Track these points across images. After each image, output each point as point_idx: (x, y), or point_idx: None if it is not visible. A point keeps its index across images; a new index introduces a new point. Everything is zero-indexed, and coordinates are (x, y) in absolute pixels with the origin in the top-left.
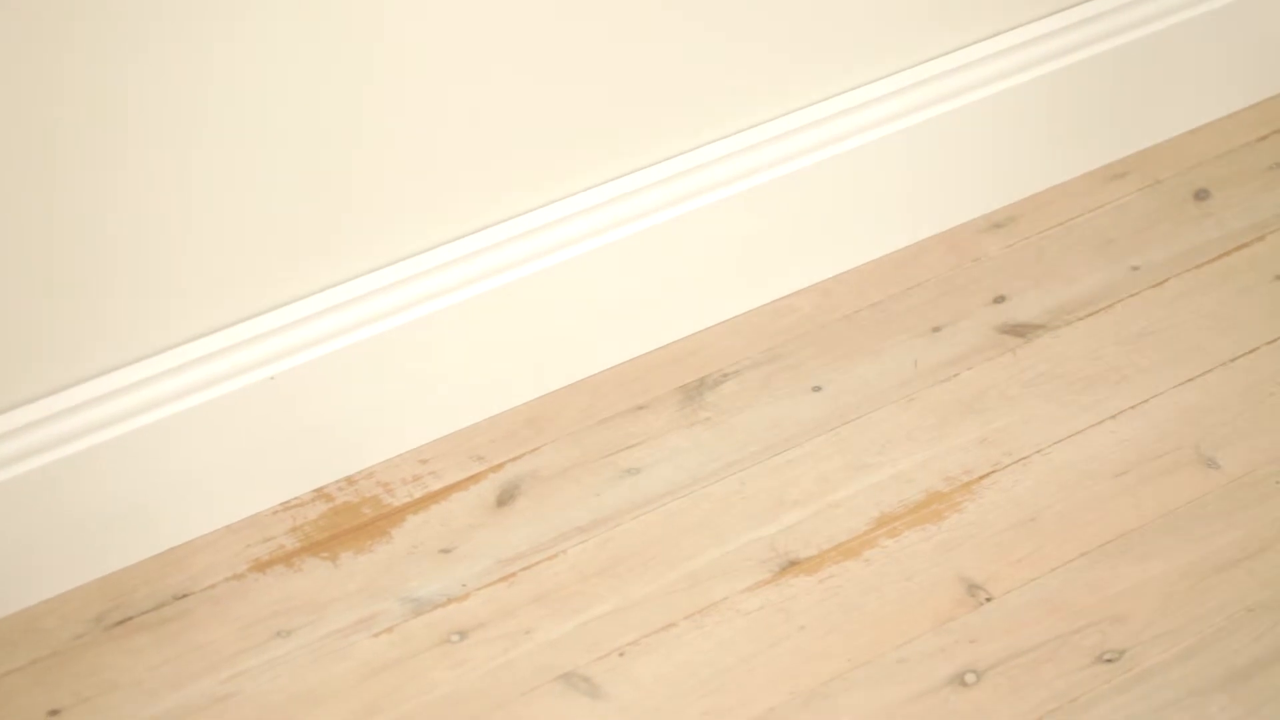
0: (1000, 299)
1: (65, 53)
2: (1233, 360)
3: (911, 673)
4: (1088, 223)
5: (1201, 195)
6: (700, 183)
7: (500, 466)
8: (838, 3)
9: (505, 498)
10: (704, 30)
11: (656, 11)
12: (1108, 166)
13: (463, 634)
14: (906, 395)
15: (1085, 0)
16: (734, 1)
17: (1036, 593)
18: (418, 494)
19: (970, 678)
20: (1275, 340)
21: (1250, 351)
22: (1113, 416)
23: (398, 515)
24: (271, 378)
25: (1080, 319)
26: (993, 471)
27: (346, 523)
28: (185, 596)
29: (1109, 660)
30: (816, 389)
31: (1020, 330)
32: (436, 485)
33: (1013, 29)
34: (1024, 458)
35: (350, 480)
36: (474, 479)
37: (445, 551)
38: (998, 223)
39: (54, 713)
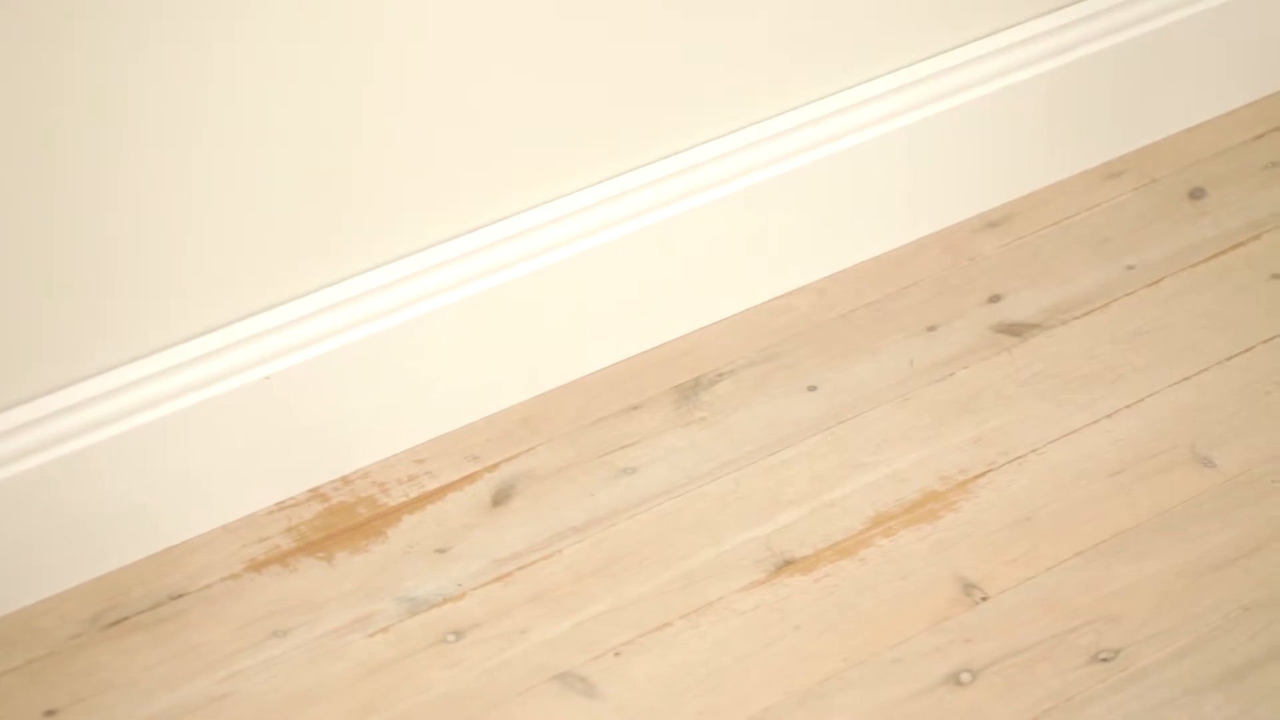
0: (996, 298)
1: (65, 53)
2: (1228, 359)
3: (907, 672)
4: (1083, 222)
5: (1197, 194)
6: (696, 182)
7: (496, 466)
8: (833, 2)
9: (501, 497)
10: (699, 30)
11: (649, 11)
12: (1103, 165)
13: (458, 634)
14: (902, 394)
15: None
16: (725, 4)
17: (1032, 592)
18: (413, 494)
19: (966, 677)
20: (1271, 339)
21: (1246, 350)
22: (1108, 416)
23: (393, 515)
24: (267, 377)
25: (1076, 318)
26: (988, 471)
27: (342, 522)
28: (181, 596)
29: (1104, 659)
30: (812, 388)
31: (1016, 329)
32: (432, 485)
33: (1008, 28)
34: (1019, 457)
35: (346, 480)
36: (469, 479)
37: (441, 551)
38: (993, 222)
39: (50, 713)
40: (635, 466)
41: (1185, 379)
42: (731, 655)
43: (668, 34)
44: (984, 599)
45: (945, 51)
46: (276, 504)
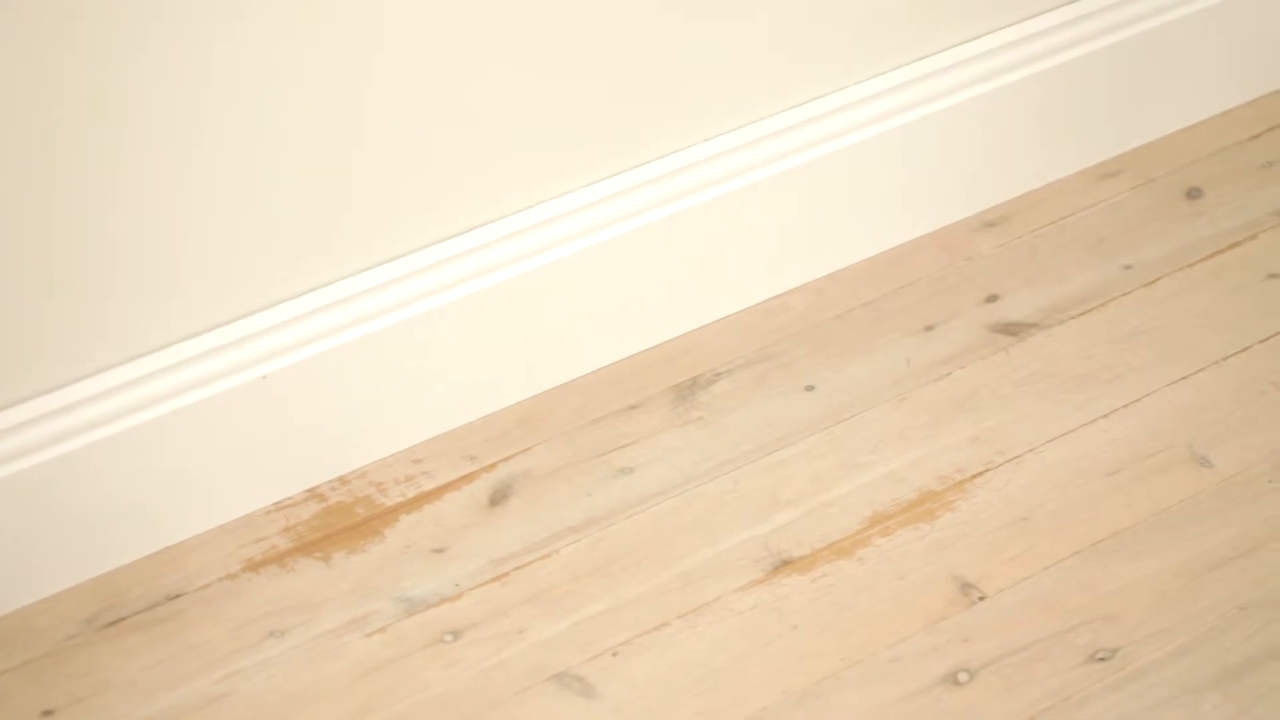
0: (993, 298)
1: (65, 53)
2: (1225, 359)
3: (904, 672)
4: (1080, 221)
5: (1194, 194)
6: (693, 181)
7: (493, 466)
8: (830, 2)
9: (498, 497)
10: (696, 30)
11: (645, 12)
12: (1100, 165)
13: (456, 634)
14: (899, 394)
15: None
16: (721, 3)
17: (1029, 592)
18: (411, 494)
19: (963, 677)
20: (1268, 339)
21: (1243, 350)
22: (1105, 415)
23: (391, 515)
24: (264, 377)
25: (1073, 318)
26: (985, 470)
27: (339, 523)
28: (178, 596)
29: (1102, 659)
30: (809, 388)
31: (1013, 329)
32: (429, 485)
33: (1004, 28)
34: (1016, 456)
35: (343, 480)
36: (467, 479)
37: (438, 551)
38: (990, 221)
39: (48, 713)
40: (633, 466)
41: (1182, 379)
42: (729, 655)
43: (664, 34)
44: (981, 598)
45: (941, 51)
46: (274, 504)
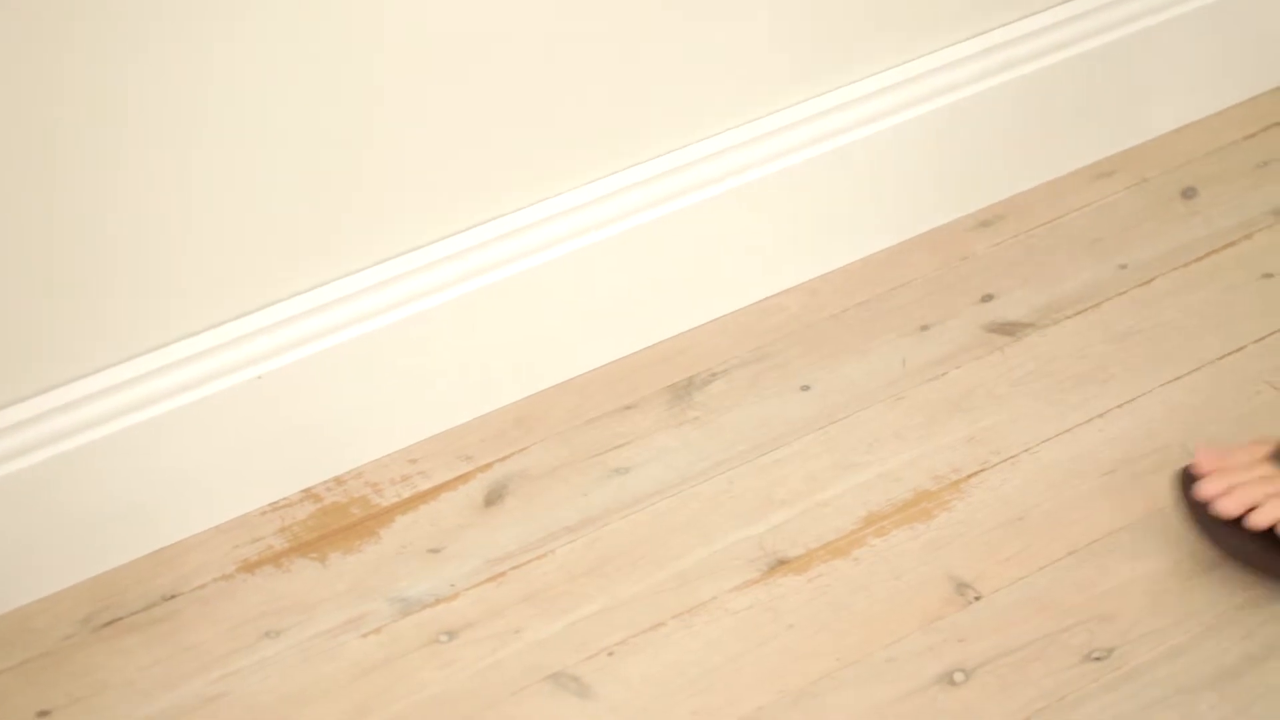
0: (988, 298)
1: (65, 53)
2: (1220, 358)
3: (900, 672)
4: (1075, 221)
5: (1189, 193)
6: (688, 181)
7: (489, 466)
8: (825, 2)
9: (494, 497)
10: (692, 30)
11: (642, 12)
12: (1095, 165)
13: (451, 634)
14: (895, 394)
15: None
16: (717, 3)
17: (1025, 591)
18: (406, 494)
19: (959, 676)
20: (1263, 338)
21: (1238, 350)
22: (1100, 415)
23: (386, 515)
24: (259, 377)
25: (1068, 317)
26: (981, 470)
27: (335, 523)
28: (174, 597)
29: (1097, 659)
30: (804, 388)
31: (1008, 329)
32: (425, 485)
33: (998, 28)
34: (1012, 456)
35: (339, 480)
36: (462, 479)
37: (434, 551)
38: (985, 221)
39: (44, 713)
40: (628, 466)
41: (1177, 378)
42: (725, 655)
43: (661, 34)
44: (977, 598)
45: (935, 51)
46: (270, 504)
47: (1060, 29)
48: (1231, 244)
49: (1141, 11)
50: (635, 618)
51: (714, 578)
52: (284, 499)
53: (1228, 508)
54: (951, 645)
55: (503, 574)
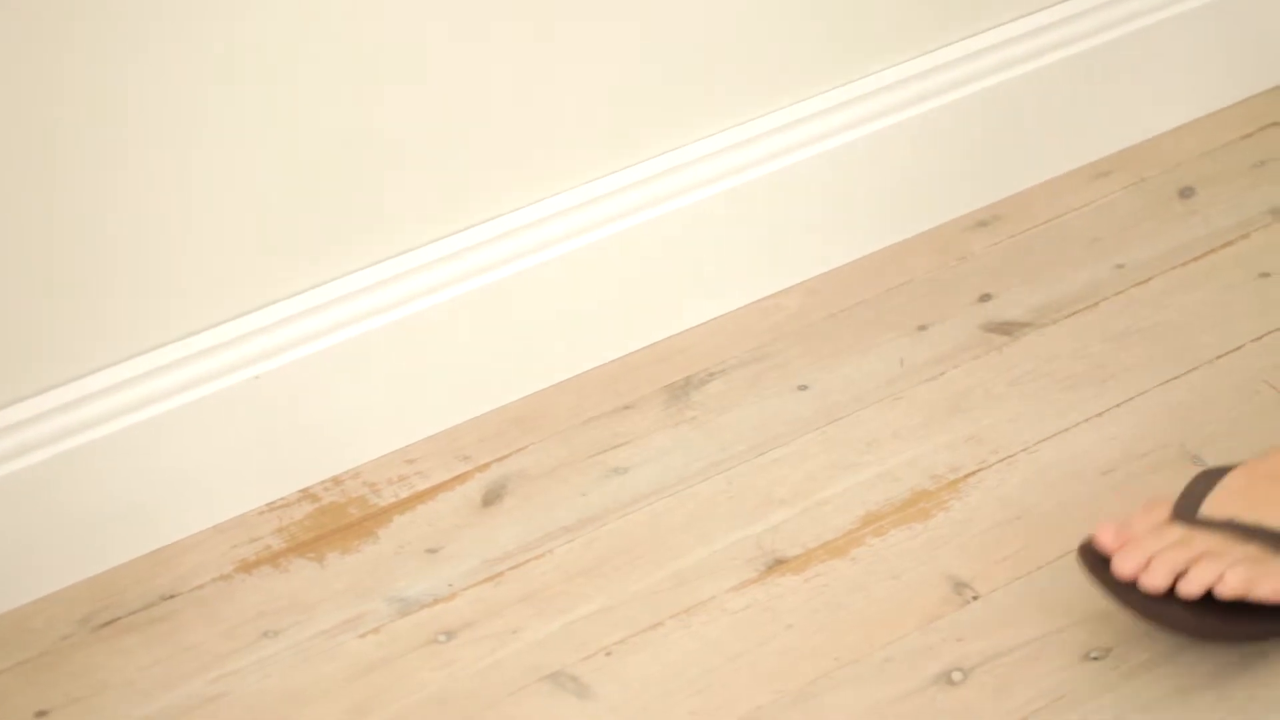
0: (986, 297)
1: (65, 53)
2: (1218, 358)
3: (898, 671)
4: (1073, 221)
5: (1186, 193)
6: (685, 181)
7: (487, 466)
8: (822, 2)
9: (492, 497)
10: (687, 30)
11: (638, 11)
12: (1093, 164)
13: (450, 634)
14: (893, 394)
15: None
16: (715, 2)
17: (1023, 591)
18: (404, 494)
19: (957, 676)
20: (1261, 337)
21: (1236, 349)
22: (1099, 414)
23: (384, 515)
24: (256, 377)
25: (1066, 317)
26: (979, 470)
27: (333, 523)
28: (173, 597)
29: (1096, 658)
30: (803, 388)
31: (1006, 328)
32: (423, 485)
33: (996, 26)
34: (1010, 456)
35: (336, 480)
36: (460, 479)
37: (432, 551)
38: (983, 221)
39: (42, 713)
40: (626, 466)
41: (1175, 378)
42: (723, 655)
43: (651, 34)
44: (975, 598)
45: (934, 50)
46: (267, 504)
47: (1058, 28)
48: (1229, 243)
49: (1139, 11)
50: (633, 617)
51: (712, 577)
52: (282, 499)
53: (1155, 582)
54: (950, 645)
55: (501, 574)
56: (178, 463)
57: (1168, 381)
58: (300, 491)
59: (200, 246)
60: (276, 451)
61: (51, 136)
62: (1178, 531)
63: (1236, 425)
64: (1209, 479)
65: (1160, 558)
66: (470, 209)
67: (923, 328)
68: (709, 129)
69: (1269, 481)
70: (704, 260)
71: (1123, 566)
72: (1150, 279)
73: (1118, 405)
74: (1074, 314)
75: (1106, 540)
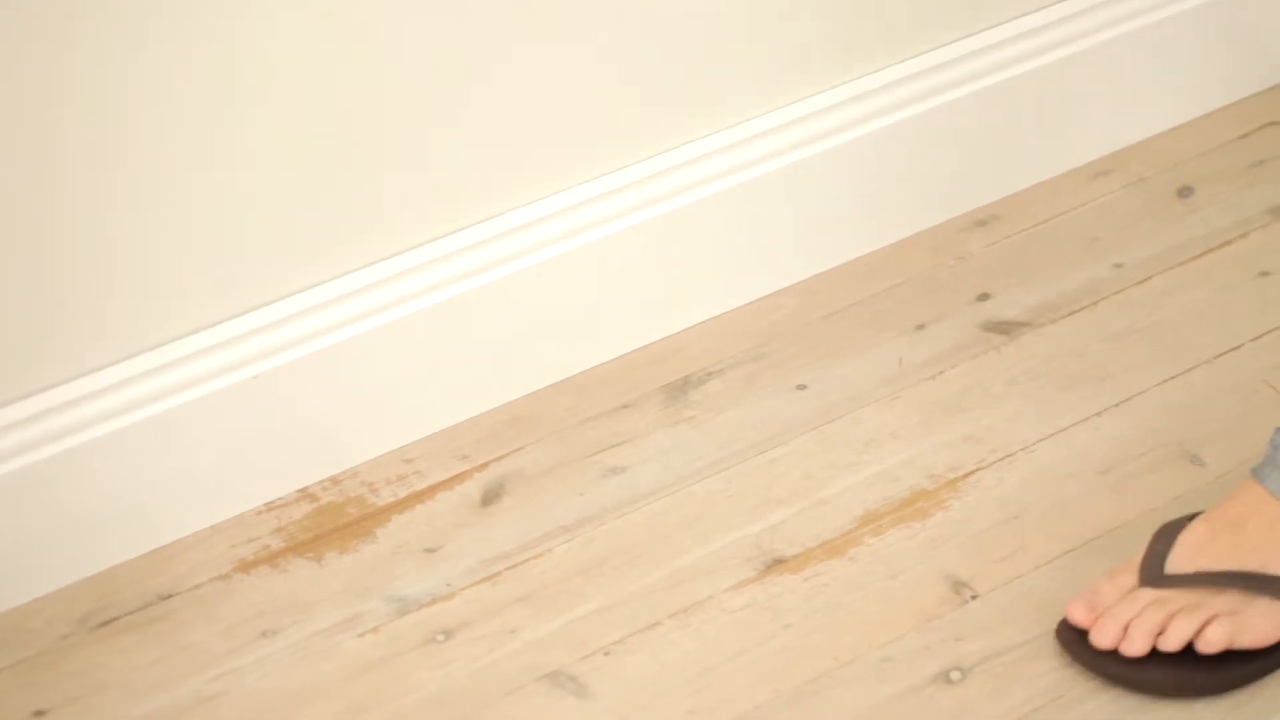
0: (984, 297)
1: (65, 53)
2: (1217, 357)
3: (897, 671)
4: (1071, 220)
5: (1185, 193)
6: (683, 181)
7: (485, 466)
8: (820, 2)
9: (490, 497)
10: (685, 30)
11: (635, 11)
12: (1091, 164)
13: (448, 633)
14: (891, 393)
15: None
16: (714, 2)
17: (1021, 590)
18: (402, 494)
19: (955, 675)
20: (1259, 337)
21: (1234, 348)
22: (1097, 414)
23: (382, 515)
24: (255, 377)
25: (1064, 316)
26: (977, 469)
27: (331, 523)
28: (171, 597)
29: None
30: (801, 387)
31: (1004, 328)
32: (421, 485)
33: (994, 26)
34: (1009, 455)
35: (335, 480)
36: (459, 478)
37: (430, 551)
38: (981, 220)
39: (40, 713)
40: (625, 466)
41: (1174, 377)
42: (721, 654)
43: (649, 34)
44: (974, 597)
45: (932, 50)
46: (265, 504)
47: (1056, 28)
48: (1228, 243)
49: (1137, 10)
50: (632, 617)
51: (710, 577)
52: (280, 499)
53: (1134, 648)
54: (948, 644)
55: (499, 573)
56: (176, 462)
57: (1166, 381)
58: (299, 491)
59: (199, 246)
60: (275, 451)
61: (51, 136)
62: (1149, 594)
63: (1235, 425)
64: (1168, 534)
65: (1136, 623)
66: (468, 209)
67: (921, 327)
68: (706, 129)
69: (1231, 530)
70: (702, 260)
71: (1101, 639)
72: (1149, 278)
73: (1116, 405)
74: (1072, 313)
75: (1079, 616)
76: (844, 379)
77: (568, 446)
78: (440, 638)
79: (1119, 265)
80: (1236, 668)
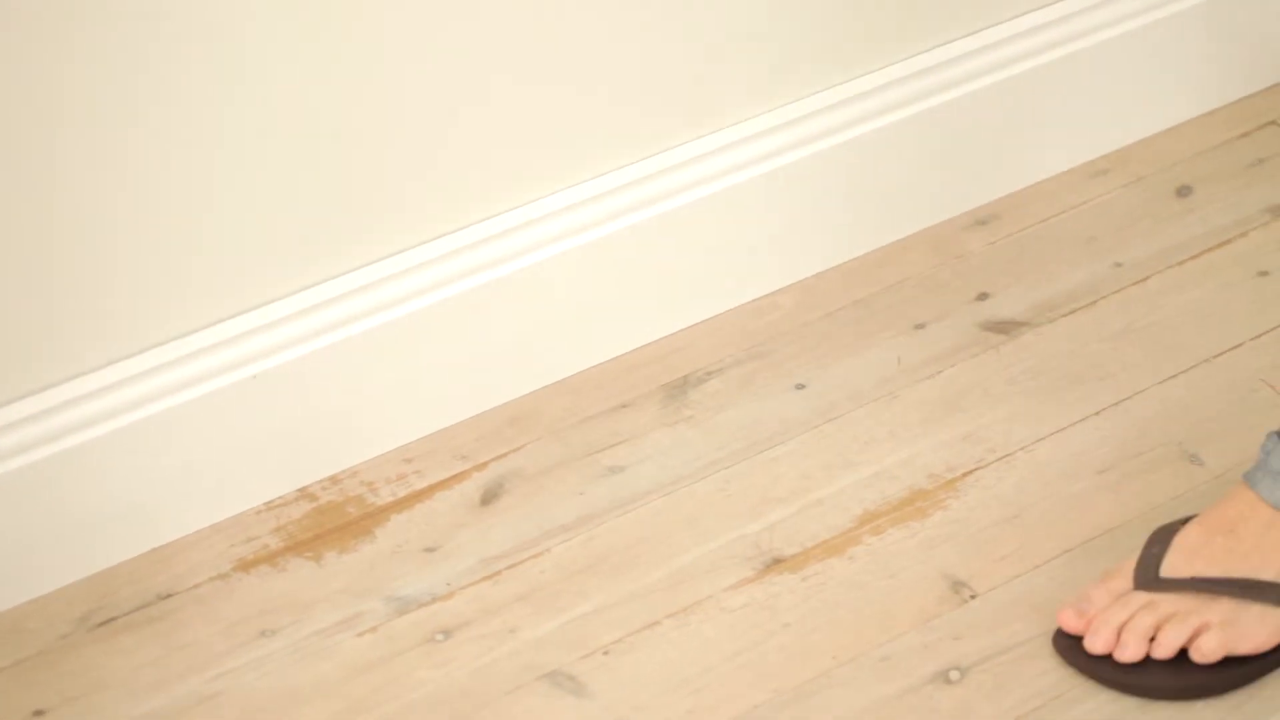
0: (983, 296)
1: (65, 53)
2: (1216, 357)
3: (895, 670)
4: (1070, 219)
5: (1184, 192)
6: (681, 180)
7: (484, 465)
8: (820, 1)
9: (489, 496)
10: (683, 30)
11: (635, 12)
12: (1090, 163)
13: (447, 633)
14: (889, 392)
15: None
16: (713, 2)
17: (1020, 589)
18: (402, 493)
19: (954, 675)
20: (1258, 336)
21: (1233, 348)
22: (1096, 413)
23: (382, 514)
24: (254, 376)
25: (1063, 316)
26: (976, 469)
27: (330, 522)
28: (170, 596)
29: None
30: (799, 387)
31: (1003, 327)
32: (420, 484)
33: (993, 25)
34: (1007, 455)
35: (334, 479)
36: (458, 478)
37: (429, 550)
38: (980, 220)
39: (39, 713)
40: (623, 465)
41: (1173, 376)
42: (720, 654)
43: (648, 33)
44: (973, 597)
45: (930, 49)
46: (265, 504)
47: (1055, 27)
48: (1227, 242)
49: (1136, 10)
50: (631, 616)
51: (709, 576)
52: (279, 498)
53: (1130, 653)
54: (947, 644)
55: (498, 573)
56: (175, 462)
57: (1165, 380)
58: (298, 491)
59: (199, 246)
60: (274, 450)
61: (51, 136)
62: (1142, 598)
63: (1234, 424)
64: (1163, 537)
65: (1129, 627)
66: (467, 209)
67: (920, 326)
68: (704, 129)
69: (1225, 534)
70: (701, 259)
71: (1094, 644)
72: (1148, 278)
73: (1115, 404)
74: (1071, 313)
75: (1070, 622)
76: (843, 378)
77: (567, 446)
78: (439, 637)
79: (1118, 265)
80: (1233, 670)
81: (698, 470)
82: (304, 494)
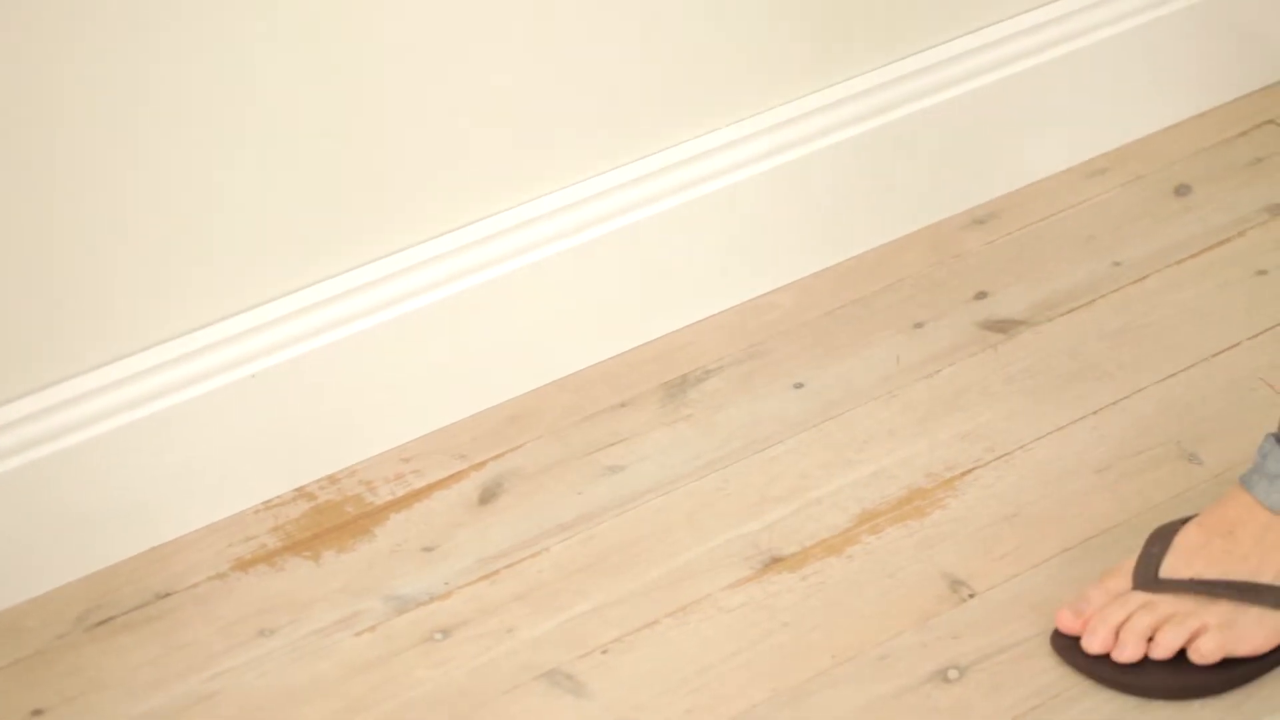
0: (982, 295)
1: (66, 52)
2: (1214, 356)
3: (894, 669)
4: (1069, 218)
5: (1182, 191)
6: (681, 180)
7: (483, 464)
8: (819, 1)
9: (488, 495)
10: (682, 29)
11: (635, 11)
12: (1088, 162)
13: (445, 632)
14: (888, 391)
15: None
16: (713, 2)
17: (1019, 589)
18: (400, 492)
19: (953, 674)
20: (1256, 335)
21: (1232, 347)
22: (1094, 412)
23: (380, 514)
24: (253, 376)
25: (1062, 315)
26: (975, 468)
27: (329, 521)
28: (168, 596)
29: None
30: (798, 386)
31: (1002, 326)
32: (419, 483)
33: (992, 24)
34: (1006, 453)
35: (332, 479)
36: (456, 477)
37: (428, 550)
38: (979, 219)
39: (37, 712)
40: (622, 464)
41: (1171, 375)
42: (719, 653)
43: (647, 33)
44: (971, 596)
45: (930, 47)
46: (263, 503)
47: (1053, 26)
48: (1225, 241)
49: (1134, 9)
50: (629, 616)
51: (708, 575)
52: (278, 497)
53: (1128, 653)
54: (945, 643)
55: (497, 572)
56: (173, 461)
57: (1164, 379)
58: (296, 490)
59: (198, 245)
60: (273, 450)
61: (51, 136)
62: (1141, 598)
63: (1233, 423)
64: (1162, 538)
65: (1127, 627)
66: (466, 207)
67: (918, 325)
68: (703, 128)
69: (1225, 536)
70: (700, 258)
71: (1091, 644)
72: (1146, 277)
73: (1114, 403)
74: (1070, 312)
75: (1068, 623)
76: (841, 377)
77: (566, 445)
78: (438, 636)
79: (1117, 263)
80: (1231, 669)
81: (696, 469)
82: (302, 493)
